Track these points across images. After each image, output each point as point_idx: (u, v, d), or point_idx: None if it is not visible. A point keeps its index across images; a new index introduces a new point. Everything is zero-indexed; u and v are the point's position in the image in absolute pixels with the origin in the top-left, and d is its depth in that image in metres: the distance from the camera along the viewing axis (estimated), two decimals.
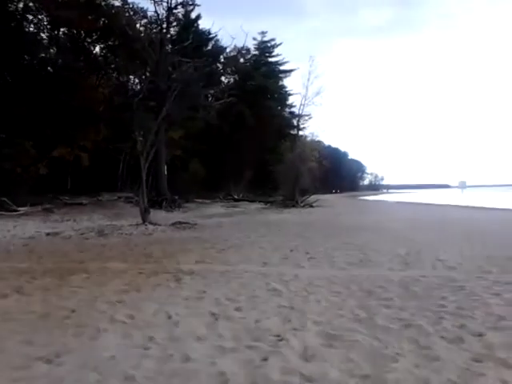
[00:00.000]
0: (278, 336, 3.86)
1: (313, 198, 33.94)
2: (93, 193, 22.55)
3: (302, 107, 38.87)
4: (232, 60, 39.43)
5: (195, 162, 32.46)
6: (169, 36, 28.79)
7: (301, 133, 43.41)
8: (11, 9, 21.20)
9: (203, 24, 38.52)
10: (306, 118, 41.65)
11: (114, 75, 28.64)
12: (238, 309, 4.76)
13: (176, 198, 24.89)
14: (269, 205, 31.00)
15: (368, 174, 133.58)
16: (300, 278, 6.39)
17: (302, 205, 31.07)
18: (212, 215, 20.95)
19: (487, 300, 5.00)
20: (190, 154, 31.52)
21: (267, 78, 42.93)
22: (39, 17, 22.84)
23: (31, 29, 22.75)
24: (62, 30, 24.72)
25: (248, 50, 43.33)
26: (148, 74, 29.15)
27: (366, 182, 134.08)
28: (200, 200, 28.85)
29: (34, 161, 20.02)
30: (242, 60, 42.94)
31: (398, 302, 4.97)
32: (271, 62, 46.70)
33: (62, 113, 21.54)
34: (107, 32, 25.42)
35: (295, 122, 43.82)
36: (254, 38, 45.34)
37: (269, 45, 46.50)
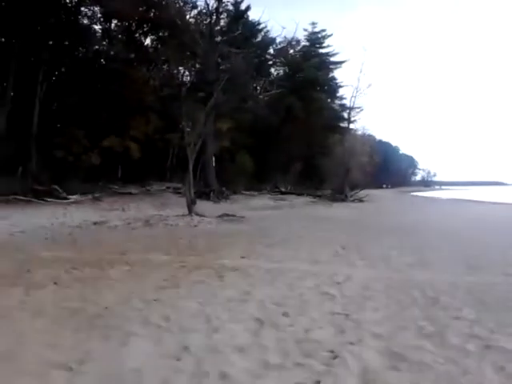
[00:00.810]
0: (332, 352, 3.33)
1: (362, 192, 32.90)
2: (142, 182, 22.87)
3: (353, 99, 37.37)
4: (282, 51, 38.70)
5: (243, 153, 32.16)
6: (218, 28, 28.65)
7: (351, 126, 41.91)
8: (67, 2, 21.71)
9: (253, 15, 38.03)
10: (357, 110, 40.04)
11: (164, 67, 28.84)
12: (285, 314, 4.26)
13: (223, 189, 24.85)
14: (317, 198, 30.18)
15: (420, 169, 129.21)
16: (354, 279, 5.87)
17: (351, 199, 30.21)
18: (259, 207, 20.57)
19: None
20: (238, 146, 31.28)
21: (317, 70, 41.82)
22: (93, 9, 23.32)
23: (85, 21, 23.26)
24: (113, 22, 25.20)
25: (298, 41, 42.25)
26: (197, 64, 29.20)
27: (418, 178, 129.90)
28: (247, 192, 28.67)
29: (86, 150, 20.47)
30: (291, 51, 42.00)
31: (471, 315, 4.35)
32: (322, 53, 45.37)
33: (113, 103, 21.94)
34: (157, 23, 25.58)
35: (346, 115, 42.38)
36: (305, 29, 44.26)
37: (319, 36, 45.22)
